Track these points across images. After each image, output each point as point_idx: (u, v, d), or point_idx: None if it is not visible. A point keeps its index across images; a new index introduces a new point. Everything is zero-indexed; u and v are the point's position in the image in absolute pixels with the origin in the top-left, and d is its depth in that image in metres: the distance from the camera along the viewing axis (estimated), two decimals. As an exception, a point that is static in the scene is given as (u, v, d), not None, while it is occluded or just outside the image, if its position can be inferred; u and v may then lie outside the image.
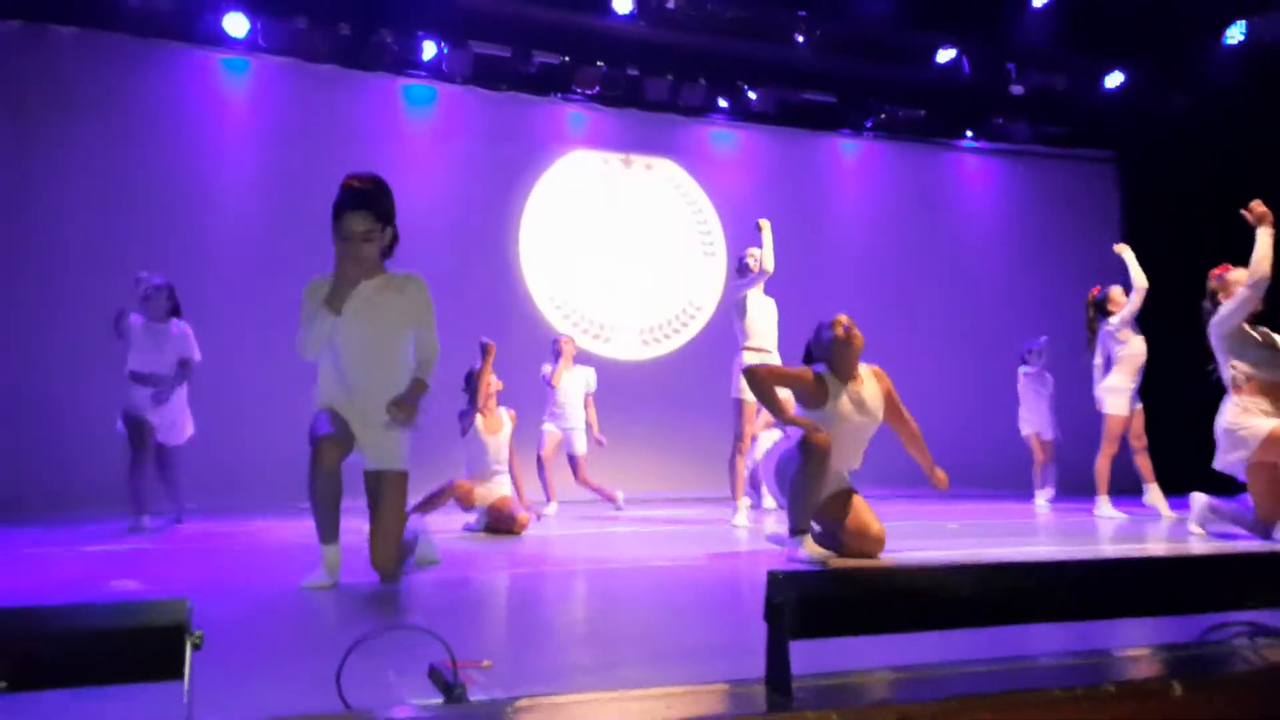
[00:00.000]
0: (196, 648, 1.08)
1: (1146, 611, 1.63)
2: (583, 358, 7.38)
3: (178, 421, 5.60)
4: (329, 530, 3.06)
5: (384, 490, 3.16)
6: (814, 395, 3.78)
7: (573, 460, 6.89)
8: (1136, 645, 1.63)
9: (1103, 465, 6.24)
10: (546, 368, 6.94)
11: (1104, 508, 6.15)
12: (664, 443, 8.38)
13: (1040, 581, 1.49)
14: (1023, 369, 7.67)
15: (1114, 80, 9.30)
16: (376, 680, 1.57)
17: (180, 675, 1.06)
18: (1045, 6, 8.55)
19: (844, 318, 3.90)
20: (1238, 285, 4.61)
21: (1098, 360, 6.44)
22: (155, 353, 5.45)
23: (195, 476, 6.05)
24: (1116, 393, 6.24)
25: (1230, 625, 1.66)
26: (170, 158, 7.42)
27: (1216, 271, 4.83)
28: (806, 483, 3.66)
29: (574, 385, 6.91)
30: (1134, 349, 6.26)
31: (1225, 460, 4.56)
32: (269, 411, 6.74)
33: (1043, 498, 7.32)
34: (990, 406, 8.44)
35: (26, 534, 4.89)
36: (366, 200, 3.10)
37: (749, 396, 5.47)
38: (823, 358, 3.89)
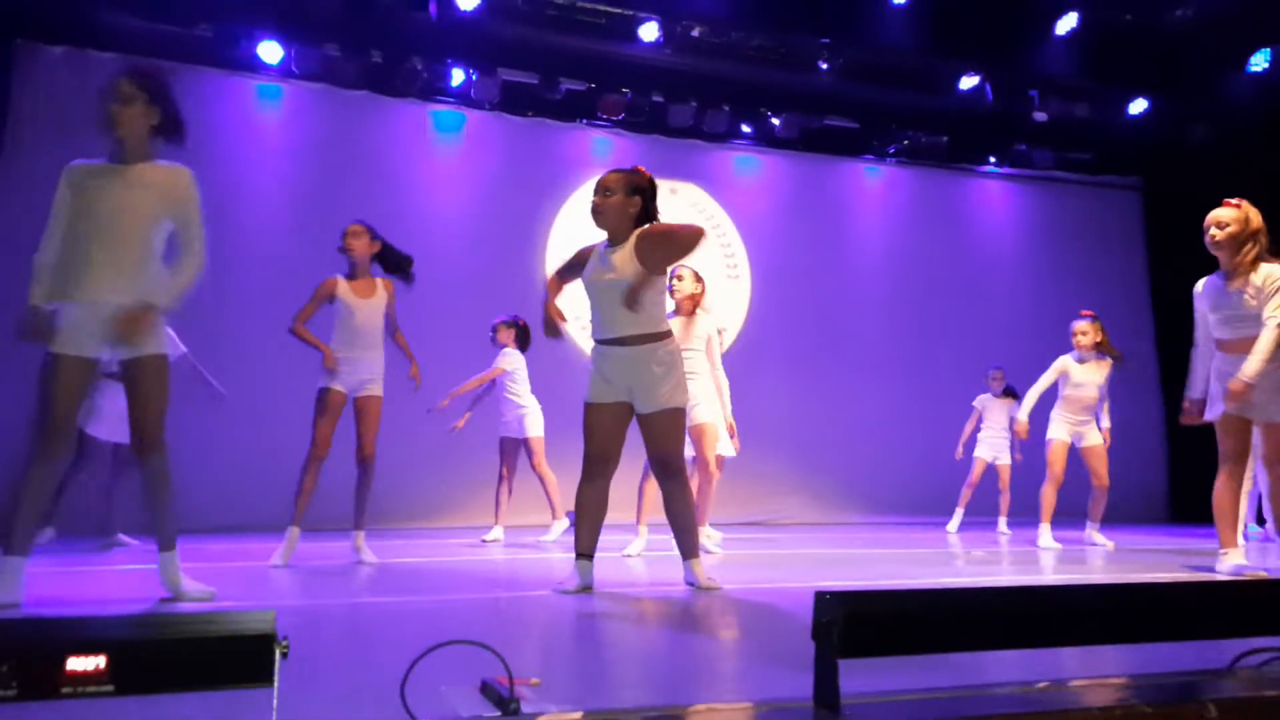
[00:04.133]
0: (284, 655, 1.15)
1: (1179, 636, 1.68)
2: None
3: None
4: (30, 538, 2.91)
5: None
6: None
7: (527, 445, 6.32)
8: (1170, 670, 1.67)
9: (1045, 493, 6.24)
10: (508, 362, 6.43)
11: (1044, 538, 6.11)
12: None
13: (1082, 604, 1.54)
14: (984, 396, 7.82)
15: (1138, 107, 9.34)
16: (428, 693, 1.62)
17: (270, 681, 1.13)
18: (1068, 34, 8.62)
19: None
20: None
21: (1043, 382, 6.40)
22: None
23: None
24: (1053, 422, 6.35)
25: (1262, 651, 1.70)
26: (204, 180, 7.56)
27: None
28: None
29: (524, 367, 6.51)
30: (1079, 388, 6.28)
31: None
32: (279, 428, 6.81)
33: (954, 523, 7.56)
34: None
35: None
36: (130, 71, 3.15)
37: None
38: None
